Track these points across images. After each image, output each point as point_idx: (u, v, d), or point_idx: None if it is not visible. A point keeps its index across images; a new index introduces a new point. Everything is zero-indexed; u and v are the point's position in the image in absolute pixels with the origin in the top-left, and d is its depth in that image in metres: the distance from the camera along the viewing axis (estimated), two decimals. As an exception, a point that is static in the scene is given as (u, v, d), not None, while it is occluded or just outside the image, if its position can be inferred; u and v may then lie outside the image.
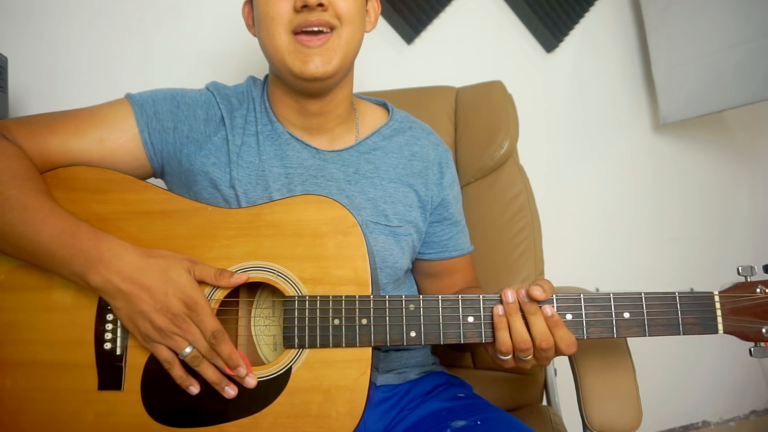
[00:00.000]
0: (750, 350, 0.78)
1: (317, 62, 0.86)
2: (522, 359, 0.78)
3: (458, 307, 0.79)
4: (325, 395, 0.77)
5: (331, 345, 0.78)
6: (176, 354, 0.76)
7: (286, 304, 0.79)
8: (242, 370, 0.76)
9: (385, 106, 1.06)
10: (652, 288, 0.80)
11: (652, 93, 1.85)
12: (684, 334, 0.77)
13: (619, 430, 0.89)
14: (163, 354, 0.76)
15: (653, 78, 1.78)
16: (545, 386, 1.23)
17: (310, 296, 0.79)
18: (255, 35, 0.95)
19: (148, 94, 0.94)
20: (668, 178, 1.92)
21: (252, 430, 0.77)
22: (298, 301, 0.79)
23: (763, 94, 1.50)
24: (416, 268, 1.06)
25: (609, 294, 0.78)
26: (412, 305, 0.79)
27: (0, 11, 1.31)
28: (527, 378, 1.21)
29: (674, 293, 0.78)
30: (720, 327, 0.77)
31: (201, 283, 0.78)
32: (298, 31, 0.86)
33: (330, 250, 0.80)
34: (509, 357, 0.78)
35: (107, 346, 0.79)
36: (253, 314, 0.85)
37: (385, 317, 0.79)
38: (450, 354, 1.19)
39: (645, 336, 0.78)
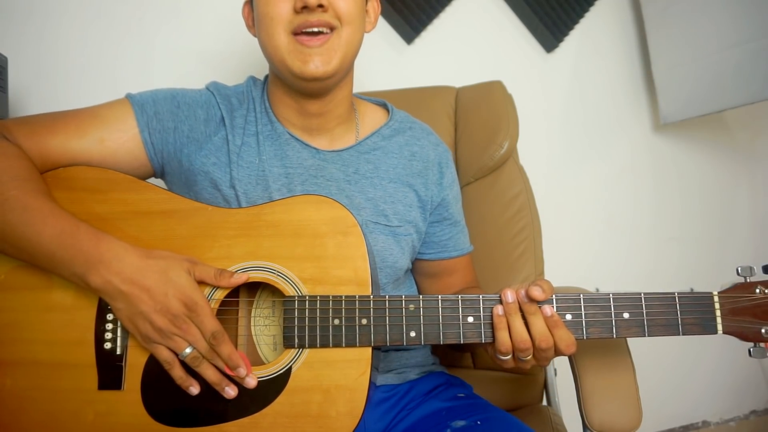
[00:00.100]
0: (749, 351, 0.78)
1: (317, 62, 0.86)
2: (522, 359, 0.78)
3: (458, 307, 0.79)
4: (325, 395, 0.77)
5: (331, 345, 0.78)
6: (176, 354, 0.76)
7: (286, 304, 0.79)
8: (242, 371, 0.76)
9: (385, 106, 1.06)
10: (652, 288, 0.80)
11: (652, 93, 1.85)
12: (683, 334, 0.77)
13: (619, 430, 0.89)
14: (163, 354, 0.76)
15: (653, 78, 1.78)
16: (545, 386, 1.23)
17: (310, 296, 0.79)
18: (255, 35, 0.95)
19: (149, 94, 0.94)
20: (668, 178, 1.92)
21: (252, 429, 0.77)
22: (298, 301, 0.79)
23: (763, 94, 1.50)
24: (416, 268, 1.06)
25: (608, 294, 0.78)
26: (411, 305, 0.79)
27: (0, 11, 1.31)
28: (527, 378, 1.21)
29: (674, 293, 0.78)
30: (719, 327, 0.77)
31: (201, 283, 0.78)
32: (298, 32, 0.86)
33: (330, 250, 0.80)
34: (509, 357, 0.79)
35: (107, 345, 0.79)
36: (253, 314, 0.85)
37: (385, 317, 0.79)
38: (450, 354, 1.19)
39: (644, 336, 0.78)
